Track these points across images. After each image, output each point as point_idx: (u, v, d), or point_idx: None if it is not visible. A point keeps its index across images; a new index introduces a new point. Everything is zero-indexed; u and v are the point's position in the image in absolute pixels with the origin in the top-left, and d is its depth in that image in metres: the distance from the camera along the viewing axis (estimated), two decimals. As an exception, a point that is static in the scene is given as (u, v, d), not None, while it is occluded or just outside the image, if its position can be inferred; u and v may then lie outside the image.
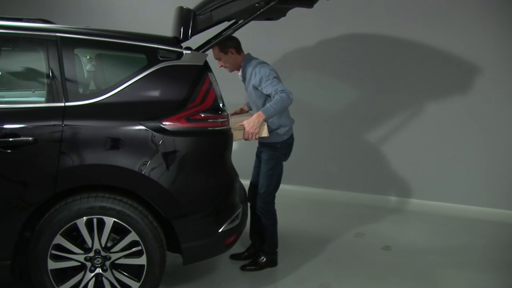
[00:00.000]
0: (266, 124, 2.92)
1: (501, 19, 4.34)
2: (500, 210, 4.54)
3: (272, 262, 3.34)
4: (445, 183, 4.72)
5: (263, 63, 3.14)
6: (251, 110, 3.58)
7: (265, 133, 2.91)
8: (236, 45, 3.17)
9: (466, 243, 3.98)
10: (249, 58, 3.20)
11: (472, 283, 3.25)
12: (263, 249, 3.34)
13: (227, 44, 3.11)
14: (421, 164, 4.78)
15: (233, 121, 3.06)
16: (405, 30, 4.63)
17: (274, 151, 3.19)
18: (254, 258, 3.35)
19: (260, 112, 2.90)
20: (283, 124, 3.15)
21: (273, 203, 3.29)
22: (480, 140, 4.56)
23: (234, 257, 3.45)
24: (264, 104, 3.10)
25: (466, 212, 4.60)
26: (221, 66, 3.22)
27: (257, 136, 2.90)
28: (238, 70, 3.24)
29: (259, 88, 3.07)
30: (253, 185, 3.37)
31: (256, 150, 3.39)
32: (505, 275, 3.40)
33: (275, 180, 3.22)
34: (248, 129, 2.85)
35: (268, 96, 3.06)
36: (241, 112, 3.61)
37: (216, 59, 3.18)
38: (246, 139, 2.90)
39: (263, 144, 3.22)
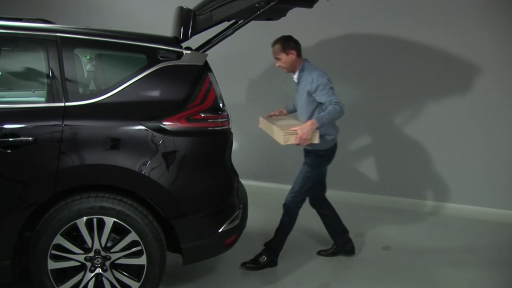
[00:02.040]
0: (318, 132, 2.99)
1: (501, 19, 4.34)
2: (500, 210, 4.54)
3: (273, 262, 3.35)
4: (445, 183, 4.72)
5: (322, 71, 3.19)
6: (291, 112, 3.64)
7: (316, 140, 2.98)
8: (298, 48, 3.26)
9: (466, 243, 3.98)
10: (308, 63, 3.27)
11: (472, 283, 3.25)
12: (270, 245, 3.36)
13: (290, 46, 3.21)
14: (421, 164, 4.78)
15: (281, 124, 3.18)
16: (405, 30, 4.62)
17: (317, 158, 3.27)
18: (255, 257, 3.36)
19: (313, 120, 2.96)
20: (328, 133, 3.21)
21: (299, 206, 3.33)
22: (480, 140, 4.56)
23: (321, 252, 3.62)
24: (314, 111, 3.18)
25: (466, 212, 4.60)
26: (279, 65, 3.27)
27: (308, 142, 2.96)
28: (294, 73, 3.29)
29: (313, 95, 3.13)
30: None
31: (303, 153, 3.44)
32: (505, 275, 3.41)
33: (309, 183, 3.28)
34: (301, 134, 2.91)
35: (320, 103, 3.13)
36: (280, 114, 3.64)
37: (275, 58, 3.25)
38: (298, 144, 2.96)
39: (308, 150, 3.28)
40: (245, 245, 3.53)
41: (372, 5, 4.71)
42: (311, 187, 3.31)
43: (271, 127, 3.23)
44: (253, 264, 3.32)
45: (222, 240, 2.73)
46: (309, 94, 3.16)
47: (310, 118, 3.15)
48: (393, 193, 4.90)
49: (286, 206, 3.32)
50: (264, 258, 3.33)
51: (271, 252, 3.34)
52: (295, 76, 3.30)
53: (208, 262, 3.18)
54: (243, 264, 3.32)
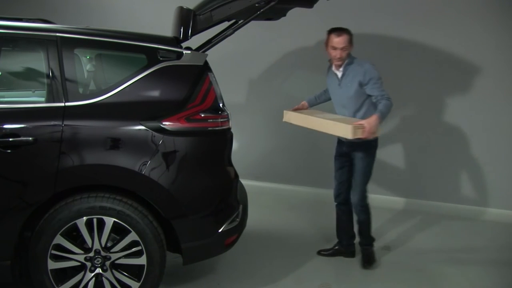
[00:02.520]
0: (379, 125, 3.08)
1: (502, 19, 4.34)
2: (500, 210, 4.54)
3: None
4: (445, 183, 4.72)
5: (372, 64, 3.23)
6: (312, 106, 3.65)
7: (379, 133, 3.10)
8: None
9: (466, 243, 3.98)
10: (353, 57, 3.28)
11: (472, 283, 3.25)
12: (365, 243, 3.48)
13: (352, 39, 3.23)
14: (420, 164, 4.78)
15: (333, 118, 3.21)
16: (405, 31, 4.62)
17: (370, 149, 3.33)
18: (366, 257, 3.45)
19: (378, 115, 3.03)
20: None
21: (367, 198, 3.44)
22: (480, 140, 4.56)
23: (321, 252, 3.63)
24: (363, 103, 3.24)
25: (466, 212, 4.60)
26: (340, 57, 3.21)
27: (374, 135, 3.07)
28: (341, 66, 3.27)
29: (364, 87, 3.18)
30: (343, 184, 3.48)
31: (335, 152, 3.49)
32: (505, 275, 3.41)
33: (370, 173, 3.38)
34: (370, 128, 2.98)
35: (369, 96, 3.19)
36: (302, 108, 3.64)
37: (341, 48, 3.18)
38: (365, 138, 3.02)
39: (358, 143, 3.28)
40: (245, 245, 3.53)
41: (372, 6, 4.71)
42: (370, 179, 3.41)
43: (322, 122, 3.22)
44: (371, 262, 3.43)
45: (222, 240, 2.72)
46: (361, 85, 3.19)
47: (358, 110, 3.23)
48: (393, 193, 4.90)
49: (360, 207, 3.39)
50: (371, 251, 3.48)
51: (371, 245, 3.49)
52: (341, 69, 3.28)
53: (208, 262, 3.18)
54: (364, 267, 3.41)
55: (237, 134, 3.45)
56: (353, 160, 3.38)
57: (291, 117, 3.55)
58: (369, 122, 2.99)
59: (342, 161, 3.46)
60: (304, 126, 3.42)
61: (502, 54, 4.38)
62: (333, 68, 3.34)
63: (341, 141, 3.43)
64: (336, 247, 3.60)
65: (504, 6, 4.31)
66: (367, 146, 3.31)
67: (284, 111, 3.59)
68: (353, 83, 3.22)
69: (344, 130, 3.04)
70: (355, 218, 3.53)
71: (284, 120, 3.60)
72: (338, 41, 3.19)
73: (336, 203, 3.57)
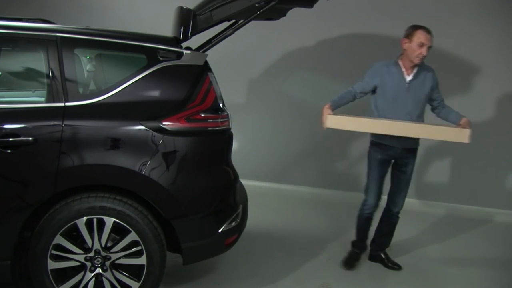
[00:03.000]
0: None
1: (502, 19, 4.34)
2: (500, 210, 4.55)
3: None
4: (445, 183, 4.72)
5: None
6: (336, 108, 3.28)
7: None
8: None
9: (466, 243, 3.98)
10: None
11: (472, 283, 3.25)
12: (385, 246, 3.51)
13: None
14: (420, 164, 4.77)
15: (419, 124, 3.10)
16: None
17: (416, 156, 3.33)
18: (387, 261, 3.46)
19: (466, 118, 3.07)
20: None
21: None
22: (480, 140, 4.55)
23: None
24: (423, 108, 3.23)
25: (466, 212, 4.60)
26: (424, 55, 3.07)
27: None
28: (415, 67, 3.13)
29: (433, 91, 3.18)
30: (380, 191, 3.35)
31: (377, 159, 3.27)
32: (505, 275, 3.41)
33: None
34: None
35: (430, 99, 3.23)
36: (327, 112, 3.26)
37: (429, 47, 3.08)
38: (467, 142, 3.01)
39: (414, 148, 3.27)
40: (245, 245, 3.53)
41: (372, 6, 4.71)
42: None
43: (410, 126, 3.03)
44: (396, 266, 3.43)
45: (222, 240, 2.73)
46: (431, 90, 3.17)
47: (420, 115, 3.19)
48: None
49: (399, 212, 3.39)
50: (389, 258, 3.47)
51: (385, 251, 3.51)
52: (414, 71, 3.15)
53: (208, 262, 3.18)
54: (393, 268, 3.42)
55: (237, 134, 3.45)
56: (402, 167, 3.25)
57: (341, 122, 3.16)
58: (470, 126, 2.99)
59: (386, 167, 3.32)
60: (362, 131, 3.15)
61: (502, 54, 4.39)
62: (403, 69, 3.15)
63: (389, 147, 3.19)
64: (358, 251, 3.54)
65: (503, 6, 4.32)
66: (415, 154, 3.30)
67: (329, 116, 3.17)
68: (424, 87, 3.13)
69: (459, 134, 3.00)
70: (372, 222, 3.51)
71: (327, 126, 3.18)
72: (429, 38, 3.04)
73: (370, 212, 3.36)
